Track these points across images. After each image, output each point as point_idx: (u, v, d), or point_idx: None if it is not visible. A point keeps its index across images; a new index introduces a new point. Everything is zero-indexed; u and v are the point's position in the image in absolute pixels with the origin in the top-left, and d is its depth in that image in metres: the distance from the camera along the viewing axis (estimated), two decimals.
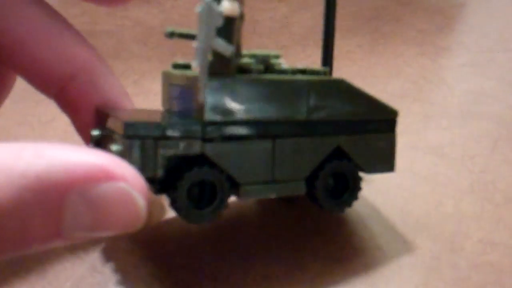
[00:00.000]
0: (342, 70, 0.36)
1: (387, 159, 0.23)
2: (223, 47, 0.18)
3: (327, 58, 0.24)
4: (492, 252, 0.23)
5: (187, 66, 0.22)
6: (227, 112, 0.19)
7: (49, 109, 0.30)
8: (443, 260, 0.22)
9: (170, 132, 0.18)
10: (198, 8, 0.18)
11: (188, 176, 0.19)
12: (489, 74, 0.36)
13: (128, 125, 0.18)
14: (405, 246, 0.23)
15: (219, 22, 0.18)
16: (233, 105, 0.19)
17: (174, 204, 0.19)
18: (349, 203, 0.22)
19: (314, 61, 0.37)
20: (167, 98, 0.22)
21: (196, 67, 0.18)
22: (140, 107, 0.24)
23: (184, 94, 0.20)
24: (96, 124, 0.22)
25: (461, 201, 0.25)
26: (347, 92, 0.21)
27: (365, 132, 0.22)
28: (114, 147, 0.18)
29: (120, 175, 0.15)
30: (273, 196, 0.21)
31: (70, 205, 0.15)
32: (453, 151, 0.28)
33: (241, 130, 0.19)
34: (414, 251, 0.23)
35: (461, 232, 0.23)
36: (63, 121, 0.24)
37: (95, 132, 0.21)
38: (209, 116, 0.19)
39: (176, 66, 0.22)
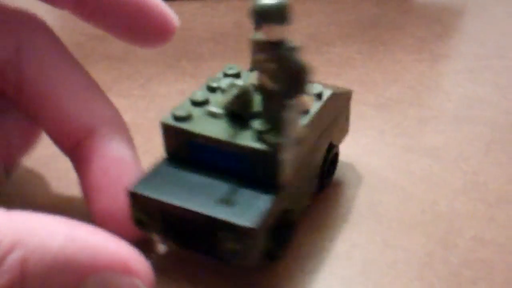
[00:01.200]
0: (343, 76, 0.37)
1: (346, 128, 0.27)
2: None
3: None
4: (483, 249, 0.23)
5: (185, 118, 0.22)
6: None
7: None
8: (437, 256, 0.23)
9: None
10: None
11: None
12: (484, 80, 0.36)
13: None
14: (400, 242, 0.24)
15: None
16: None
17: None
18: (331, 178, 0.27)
19: (315, 66, 0.38)
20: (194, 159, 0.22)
21: (285, 159, 0.20)
22: (146, 115, 0.25)
23: (240, 159, 0.21)
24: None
25: (454, 201, 0.26)
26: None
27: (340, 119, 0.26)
28: None
29: (136, 272, 0.17)
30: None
31: (87, 285, 0.17)
32: (447, 153, 0.29)
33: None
34: (409, 247, 0.23)
35: (454, 230, 0.24)
36: None
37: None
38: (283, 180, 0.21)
39: (178, 118, 0.22)
